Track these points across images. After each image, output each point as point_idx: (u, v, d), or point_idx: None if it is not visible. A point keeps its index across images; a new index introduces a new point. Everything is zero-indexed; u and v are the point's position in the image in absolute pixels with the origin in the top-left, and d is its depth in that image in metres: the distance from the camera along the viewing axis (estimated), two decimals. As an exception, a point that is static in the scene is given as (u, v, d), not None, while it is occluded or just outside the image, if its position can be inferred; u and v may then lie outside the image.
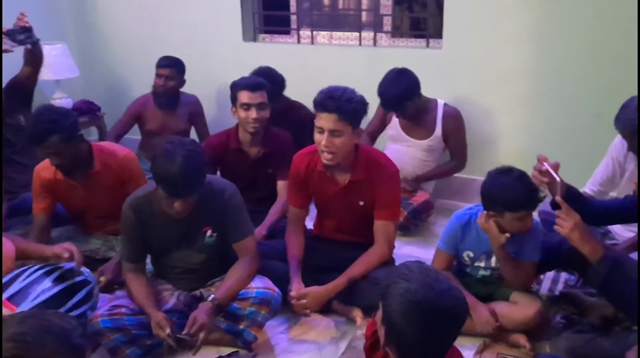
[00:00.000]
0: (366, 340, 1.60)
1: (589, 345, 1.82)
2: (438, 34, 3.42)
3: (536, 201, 2.00)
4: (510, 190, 1.98)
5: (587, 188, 2.46)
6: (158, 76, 3.45)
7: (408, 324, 1.22)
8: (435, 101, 3.09)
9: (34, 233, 2.51)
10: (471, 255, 2.21)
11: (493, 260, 2.18)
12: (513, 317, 2.07)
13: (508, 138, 3.24)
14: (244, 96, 2.60)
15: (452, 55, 3.25)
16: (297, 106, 3.34)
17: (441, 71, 3.30)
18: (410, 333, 1.22)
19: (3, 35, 2.41)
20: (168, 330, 1.90)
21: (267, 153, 2.72)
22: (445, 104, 3.08)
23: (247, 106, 2.60)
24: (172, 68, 3.44)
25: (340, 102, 2.10)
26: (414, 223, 3.01)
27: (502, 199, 2.00)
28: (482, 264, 2.20)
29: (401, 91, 2.91)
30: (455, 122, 3.08)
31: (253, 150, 2.73)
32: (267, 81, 2.89)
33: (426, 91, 3.34)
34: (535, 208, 2.03)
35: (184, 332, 1.92)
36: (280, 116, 3.15)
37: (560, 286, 2.46)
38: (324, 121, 2.13)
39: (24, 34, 2.47)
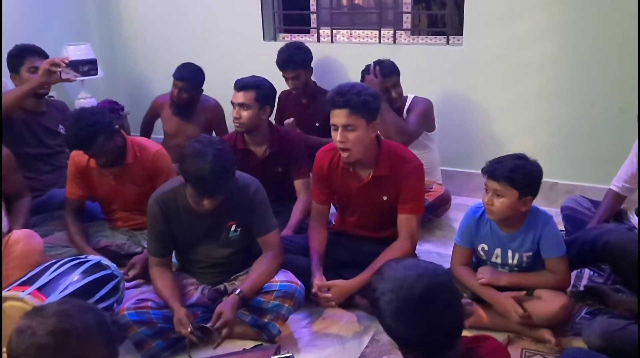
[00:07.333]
0: None
1: (625, 329, 1.78)
2: (457, 32, 3.42)
3: (503, 173, 1.99)
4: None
5: (613, 184, 2.44)
6: (174, 84, 3.41)
7: (404, 328, 1.21)
8: (405, 98, 3.05)
9: (67, 217, 2.59)
10: (485, 248, 2.18)
11: (509, 254, 2.14)
12: (538, 312, 2.04)
13: (529, 134, 3.21)
14: (233, 96, 2.68)
15: (473, 51, 3.24)
16: (324, 91, 3.41)
17: (462, 67, 3.29)
18: (411, 333, 1.21)
19: (66, 66, 2.56)
20: (190, 328, 1.92)
21: (273, 153, 2.74)
22: (415, 97, 3.05)
23: (233, 105, 2.67)
24: (185, 82, 3.35)
25: (349, 96, 2.11)
26: (428, 217, 2.96)
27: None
28: (499, 261, 2.17)
29: None
30: (420, 106, 3.00)
31: (259, 150, 2.75)
32: (302, 52, 3.25)
33: (447, 87, 3.35)
34: (498, 179, 1.99)
35: (209, 324, 1.94)
36: (311, 100, 3.39)
37: (584, 282, 2.44)
38: (336, 117, 2.15)
39: (87, 66, 2.65)
